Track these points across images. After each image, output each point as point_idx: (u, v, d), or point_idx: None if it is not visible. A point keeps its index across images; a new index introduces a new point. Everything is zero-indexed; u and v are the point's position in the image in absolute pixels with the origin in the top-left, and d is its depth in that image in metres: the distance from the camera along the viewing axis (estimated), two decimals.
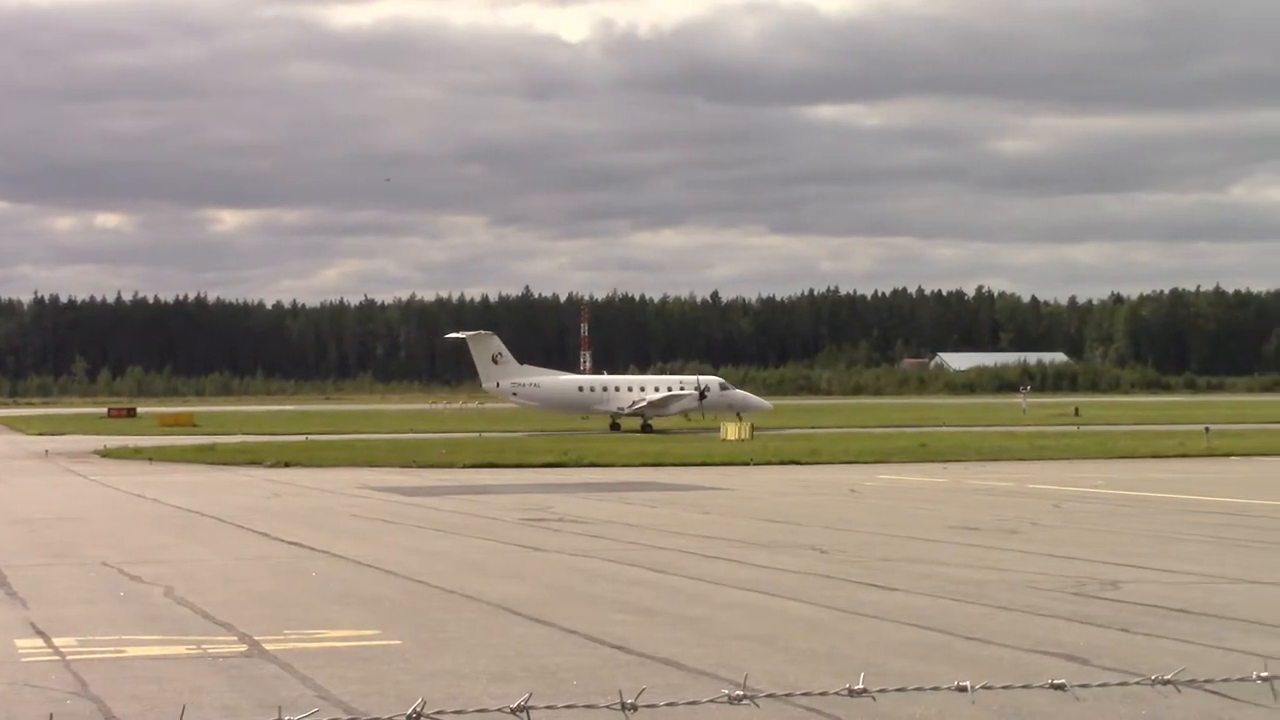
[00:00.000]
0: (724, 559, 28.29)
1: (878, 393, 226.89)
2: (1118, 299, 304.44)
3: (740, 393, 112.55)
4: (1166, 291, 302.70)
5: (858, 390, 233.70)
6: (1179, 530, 33.33)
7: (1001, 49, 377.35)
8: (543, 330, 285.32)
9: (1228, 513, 37.86)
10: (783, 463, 62.93)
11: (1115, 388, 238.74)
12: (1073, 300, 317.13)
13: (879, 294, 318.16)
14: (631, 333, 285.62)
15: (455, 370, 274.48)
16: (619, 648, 18.51)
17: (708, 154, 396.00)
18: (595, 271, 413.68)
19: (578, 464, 62.45)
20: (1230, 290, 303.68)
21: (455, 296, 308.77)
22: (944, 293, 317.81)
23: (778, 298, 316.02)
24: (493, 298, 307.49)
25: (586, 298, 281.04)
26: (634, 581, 25.16)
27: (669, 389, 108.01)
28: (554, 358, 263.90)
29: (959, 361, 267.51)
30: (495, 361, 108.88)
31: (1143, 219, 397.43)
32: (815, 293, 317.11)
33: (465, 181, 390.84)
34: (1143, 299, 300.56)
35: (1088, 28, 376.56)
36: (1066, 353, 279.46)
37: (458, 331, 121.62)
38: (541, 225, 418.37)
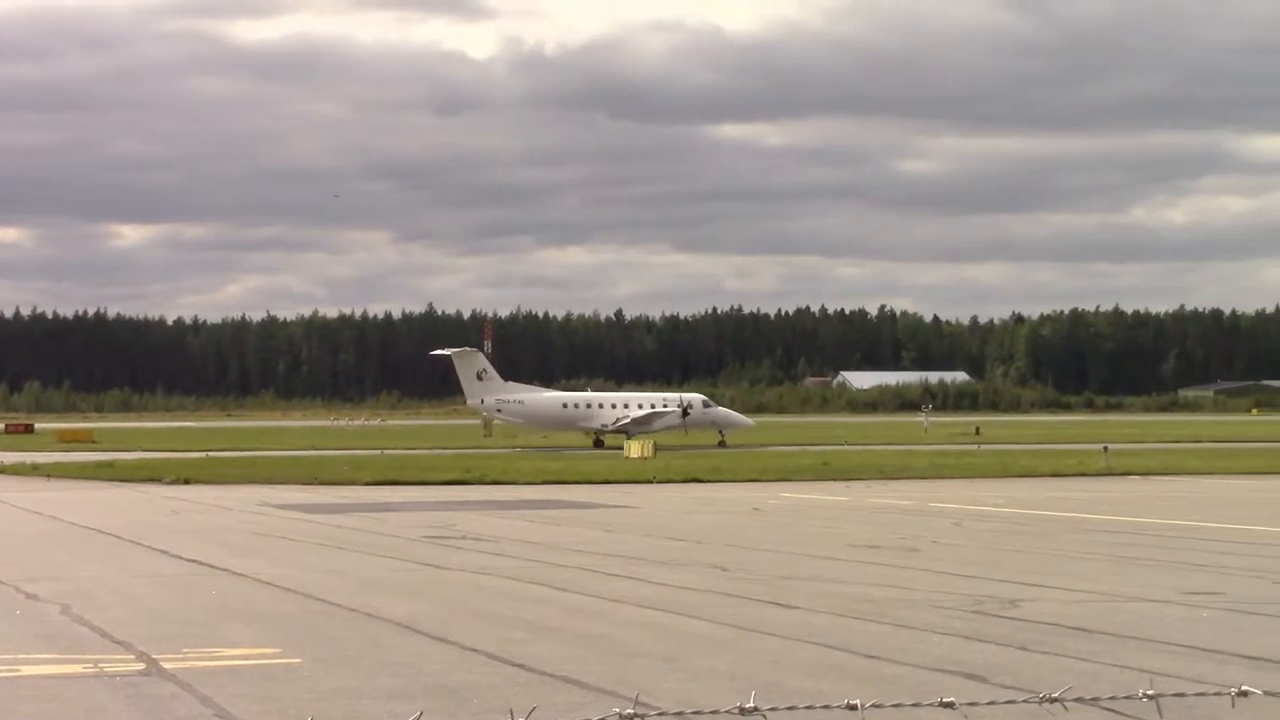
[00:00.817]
0: (626, 576, 28.29)
1: (780, 411, 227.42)
2: (1018, 319, 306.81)
3: (723, 410, 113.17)
4: (1066, 311, 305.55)
5: (760, 409, 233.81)
6: (1078, 549, 33.59)
7: (905, 70, 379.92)
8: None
9: (1126, 531, 38.20)
10: (685, 480, 63.01)
11: (1016, 407, 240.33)
12: (974, 320, 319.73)
13: (782, 312, 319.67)
14: (535, 350, 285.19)
15: (357, 387, 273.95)
16: (520, 666, 18.47)
17: (613, 171, 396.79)
18: (500, 289, 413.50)
19: (480, 481, 62.26)
20: (1129, 311, 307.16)
21: (358, 313, 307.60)
22: (847, 311, 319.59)
23: (681, 316, 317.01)
24: (396, 314, 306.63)
25: (490, 315, 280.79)
26: (536, 599, 25.12)
27: (651, 406, 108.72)
28: (456, 375, 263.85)
29: (861, 380, 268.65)
30: (480, 378, 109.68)
31: (1044, 239, 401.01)
32: (719, 311, 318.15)
33: (370, 197, 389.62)
34: (1043, 319, 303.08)
35: (991, 50, 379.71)
36: (968, 372, 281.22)
37: (443, 349, 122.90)
38: (446, 242, 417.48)
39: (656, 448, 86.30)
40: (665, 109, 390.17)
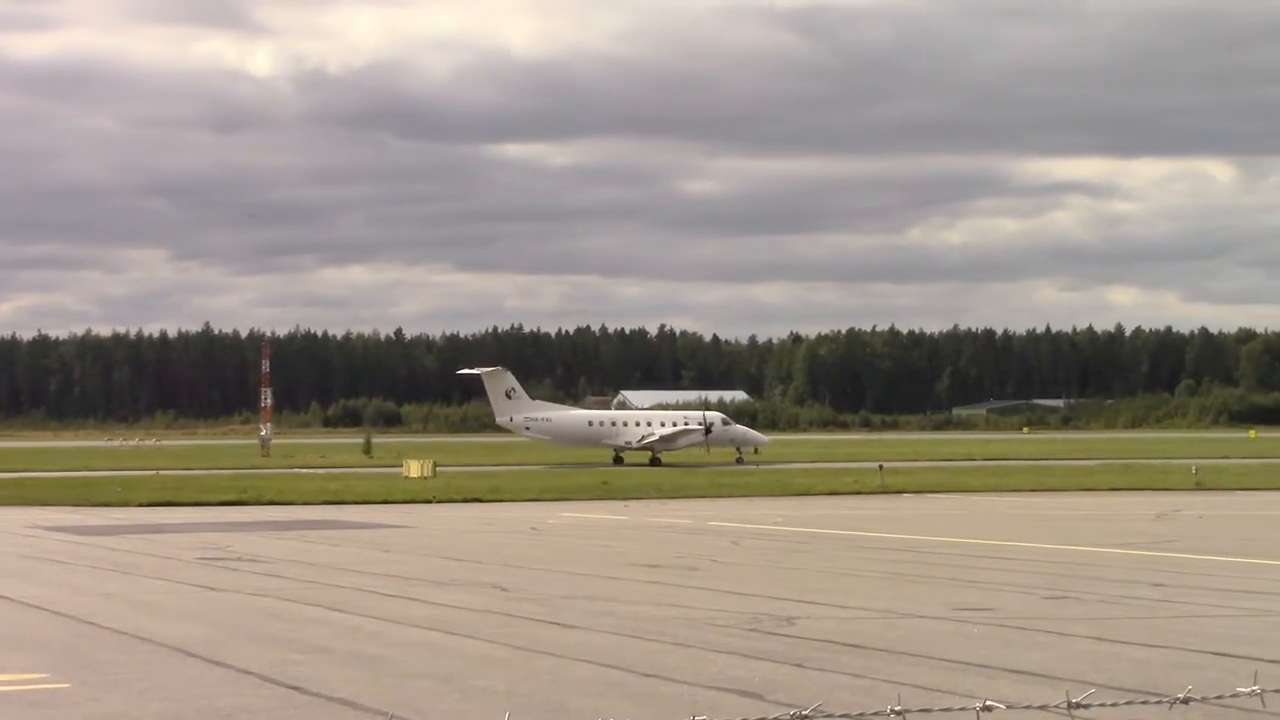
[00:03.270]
0: (404, 597, 28.11)
1: None
2: (797, 338, 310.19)
3: (740, 428, 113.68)
4: (844, 331, 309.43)
5: None
6: (854, 566, 33.99)
7: (689, 91, 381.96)
8: (224, 367, 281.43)
9: (900, 548, 38.71)
10: (465, 500, 62.78)
11: (794, 425, 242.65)
12: (753, 339, 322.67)
13: (563, 331, 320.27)
14: (314, 369, 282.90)
15: (132, 407, 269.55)
16: (295, 688, 18.27)
17: (397, 190, 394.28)
18: (280, 308, 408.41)
19: (258, 502, 61.52)
20: (904, 330, 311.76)
21: (133, 332, 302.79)
22: (627, 331, 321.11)
23: (462, 335, 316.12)
24: (172, 333, 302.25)
25: (269, 334, 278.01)
26: (312, 620, 24.88)
27: (674, 424, 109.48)
28: (233, 394, 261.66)
29: (641, 399, 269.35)
30: (508, 397, 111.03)
31: (824, 260, 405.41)
32: (499, 330, 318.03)
33: (148, 215, 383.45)
34: (821, 338, 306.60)
35: (773, 71, 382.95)
36: (747, 391, 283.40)
37: (471, 368, 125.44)
38: (226, 260, 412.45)
39: (435, 466, 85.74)
40: (449, 128, 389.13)
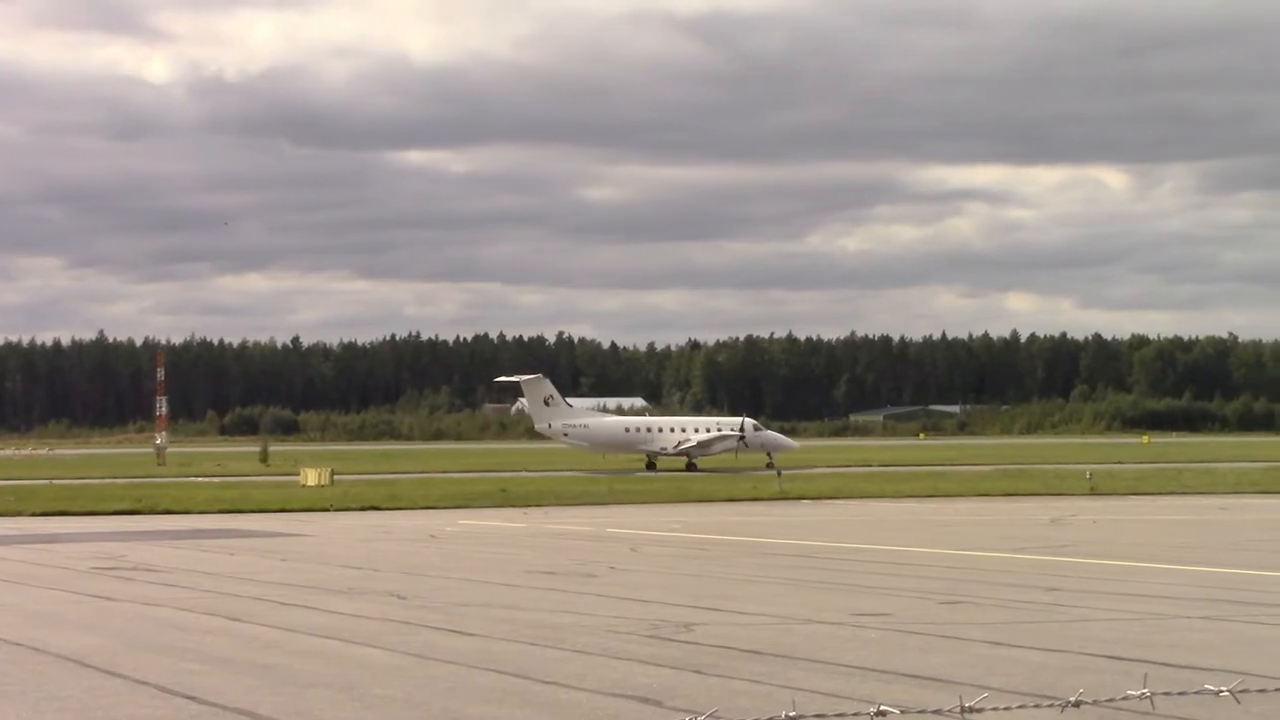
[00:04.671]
0: (302, 606, 27.99)
1: (459, 438, 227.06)
2: (695, 345, 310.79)
3: (771, 433, 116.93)
4: (742, 338, 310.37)
5: (439, 435, 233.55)
6: (752, 572, 34.11)
7: (589, 98, 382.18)
8: (118, 375, 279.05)
9: (798, 554, 38.88)
10: (363, 508, 62.51)
11: None
12: (651, 346, 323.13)
13: (461, 339, 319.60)
14: (210, 378, 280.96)
15: (24, 416, 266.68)
16: (192, 698, 18.17)
17: (295, 198, 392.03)
18: (177, 316, 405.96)
19: (153, 511, 61.04)
20: (802, 337, 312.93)
21: (26, 341, 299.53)
22: (525, 338, 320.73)
23: (359, 342, 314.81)
24: (66, 342, 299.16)
25: (164, 342, 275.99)
26: (209, 630, 24.73)
27: (706, 430, 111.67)
28: (128, 403, 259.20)
29: None
30: (547, 404, 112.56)
31: (723, 267, 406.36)
32: (398, 337, 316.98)
33: (43, 223, 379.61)
34: (719, 345, 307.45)
35: (673, 79, 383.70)
36: (645, 398, 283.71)
37: (510, 376, 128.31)
38: (122, 268, 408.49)
39: (333, 474, 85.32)
40: (349, 135, 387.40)
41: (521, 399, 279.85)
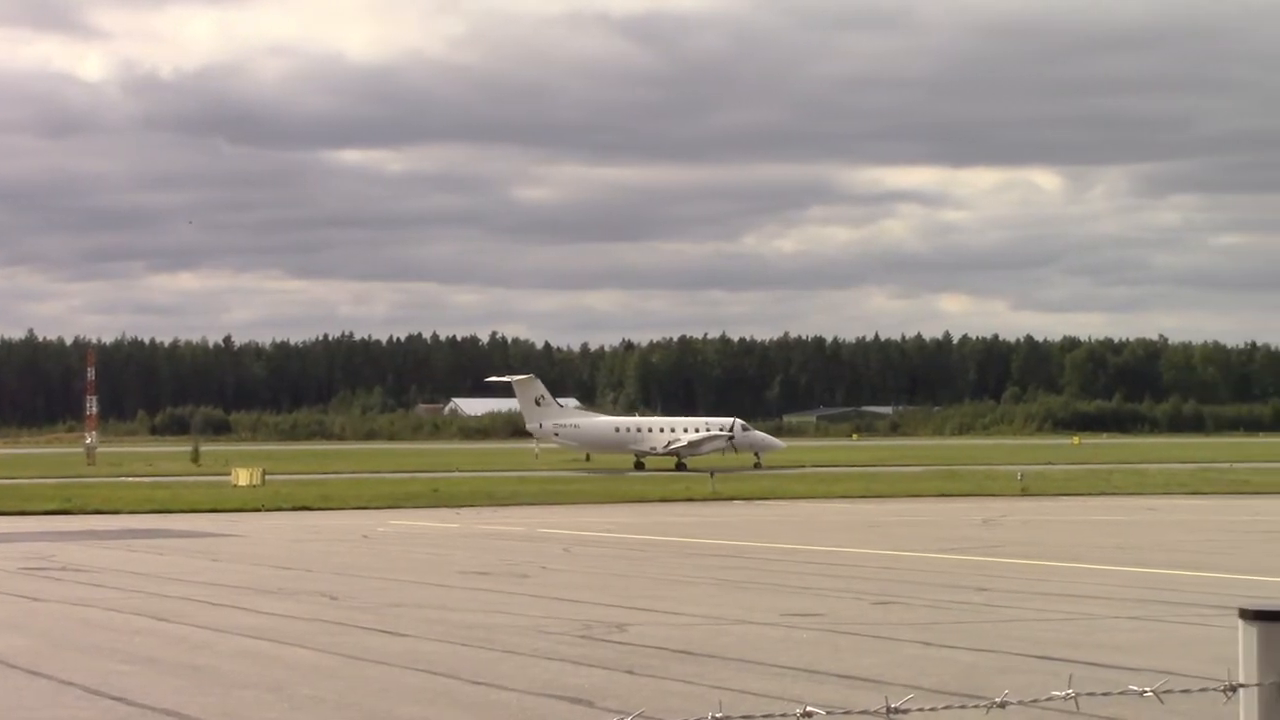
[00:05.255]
0: (231, 606, 27.86)
1: (392, 438, 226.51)
2: (629, 345, 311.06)
3: (759, 434, 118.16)
4: (676, 339, 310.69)
5: (372, 435, 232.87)
6: (685, 573, 34.13)
7: (525, 98, 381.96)
8: (48, 375, 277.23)
9: (730, 555, 38.92)
10: (295, 508, 62.26)
11: None
12: (585, 346, 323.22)
13: (394, 339, 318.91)
14: (141, 378, 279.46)
15: None
16: (120, 699, 18.05)
17: (229, 196, 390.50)
18: (109, 315, 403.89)
19: (82, 511, 60.62)
20: (736, 338, 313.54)
21: None
22: (459, 338, 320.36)
23: (292, 342, 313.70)
24: None
25: (95, 341, 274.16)
26: (138, 631, 24.58)
27: (696, 430, 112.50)
28: (58, 403, 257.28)
29: (473, 407, 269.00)
30: (538, 404, 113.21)
31: (657, 268, 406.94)
32: (330, 337, 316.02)
33: None
34: (653, 346, 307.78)
35: (609, 79, 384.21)
36: (579, 398, 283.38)
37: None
38: (53, 267, 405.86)
39: (263, 475, 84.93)
40: (284, 134, 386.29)
41: (454, 399, 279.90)
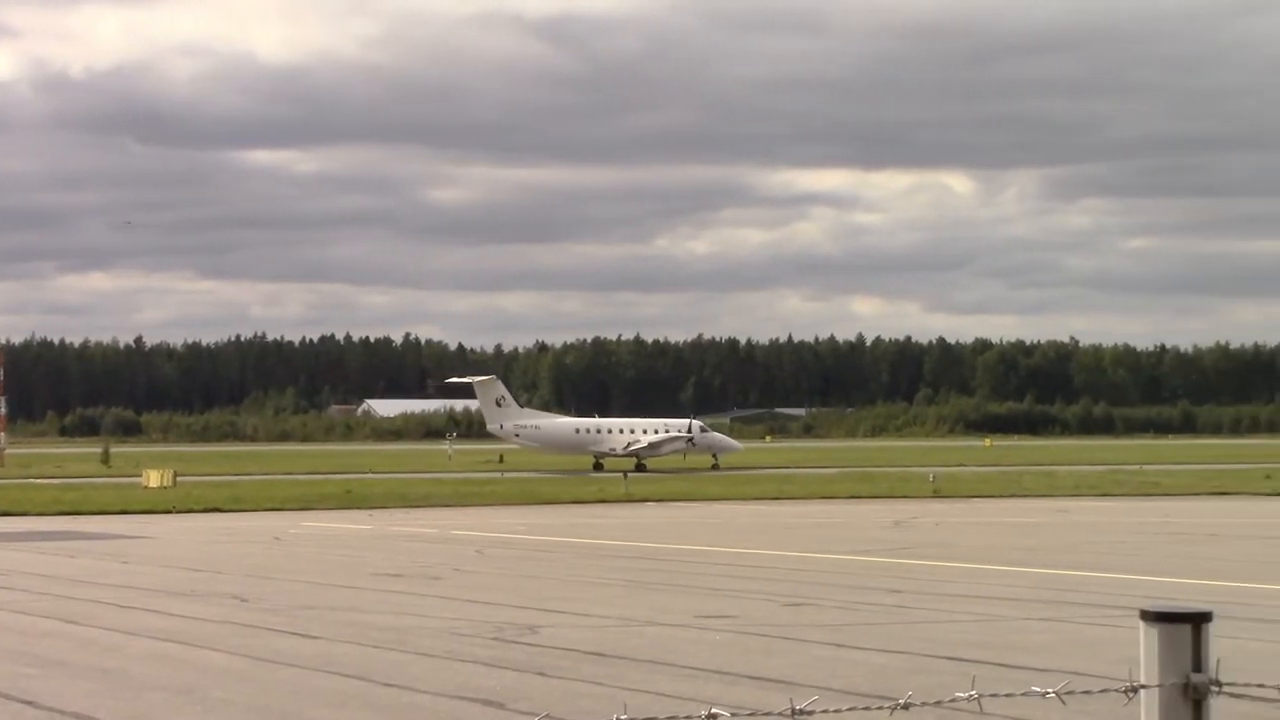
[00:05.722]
0: (141, 609, 27.69)
1: (305, 439, 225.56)
2: (542, 347, 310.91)
3: (716, 435, 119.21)
4: (590, 340, 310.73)
5: (284, 437, 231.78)
6: (597, 575, 34.15)
7: (438, 99, 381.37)
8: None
9: (643, 557, 38.98)
10: (206, 510, 61.88)
11: None
12: (499, 348, 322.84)
13: (307, 340, 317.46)
14: (50, 378, 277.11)
15: None
16: (29, 703, 17.92)
17: (140, 196, 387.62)
18: (19, 315, 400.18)
19: None
20: (650, 340, 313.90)
21: None
22: (372, 339, 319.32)
23: (204, 343, 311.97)
24: None
25: (4, 341, 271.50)
26: (46, 633, 24.40)
27: (655, 432, 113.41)
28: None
29: (386, 408, 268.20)
30: (499, 405, 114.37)
31: (570, 269, 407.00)
32: (242, 338, 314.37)
33: None
34: (566, 347, 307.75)
35: (523, 80, 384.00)
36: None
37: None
38: None
39: (175, 476, 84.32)
40: (194, 134, 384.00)
41: (367, 401, 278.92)
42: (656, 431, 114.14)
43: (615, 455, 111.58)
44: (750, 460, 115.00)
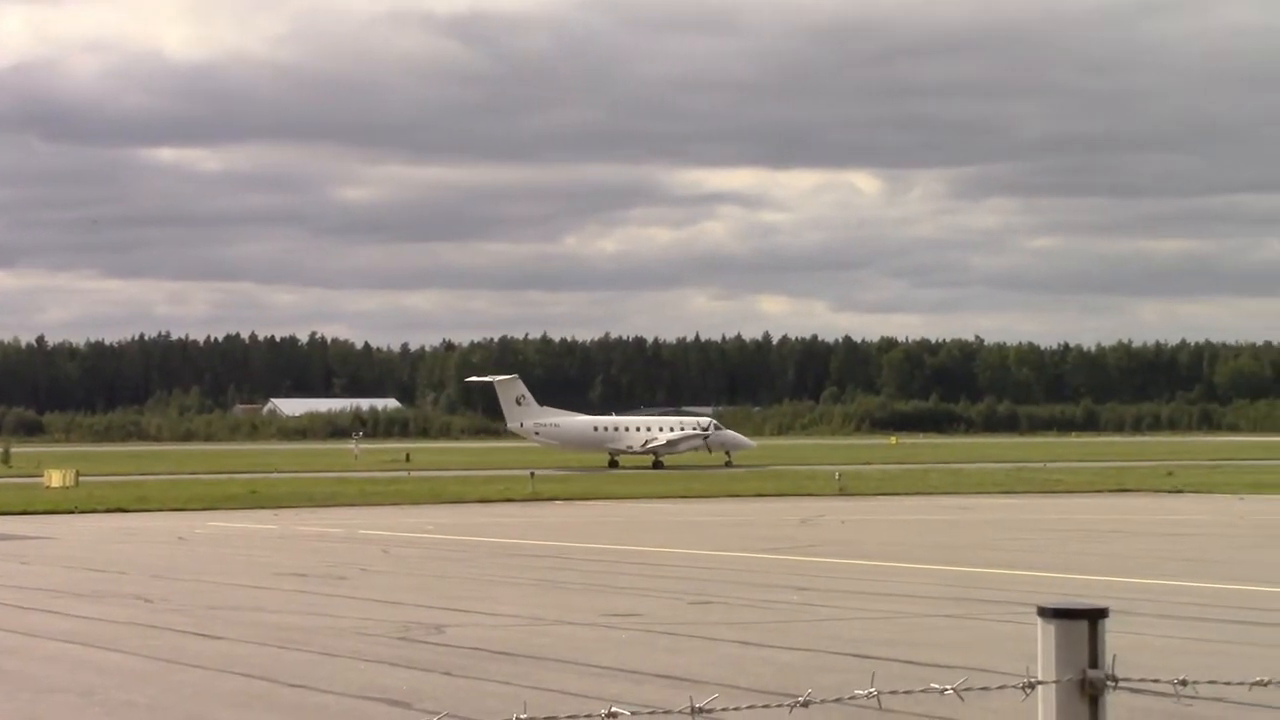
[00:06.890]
0: (42, 610, 27.45)
1: (209, 439, 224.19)
2: (449, 346, 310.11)
3: (730, 433, 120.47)
4: (496, 339, 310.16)
5: (189, 436, 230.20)
6: (504, 574, 34.12)
7: (347, 97, 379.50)
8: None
9: (550, 555, 38.96)
10: (109, 510, 61.40)
11: (446, 433, 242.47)
12: (405, 347, 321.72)
13: (211, 339, 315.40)
14: None
15: None
16: None
17: (44, 194, 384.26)
18: None
19: None
20: (557, 339, 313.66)
21: None
22: (277, 338, 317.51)
23: (107, 342, 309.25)
24: None
25: None
26: None
27: (670, 429, 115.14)
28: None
29: (292, 407, 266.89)
30: (519, 404, 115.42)
31: (479, 268, 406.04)
32: (146, 337, 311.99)
33: None
34: (473, 346, 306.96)
35: (432, 79, 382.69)
36: (399, 399, 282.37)
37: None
38: None
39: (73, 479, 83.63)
40: (99, 131, 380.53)
41: (273, 400, 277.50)
42: (674, 430, 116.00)
43: (633, 453, 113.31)
44: (764, 458, 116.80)
